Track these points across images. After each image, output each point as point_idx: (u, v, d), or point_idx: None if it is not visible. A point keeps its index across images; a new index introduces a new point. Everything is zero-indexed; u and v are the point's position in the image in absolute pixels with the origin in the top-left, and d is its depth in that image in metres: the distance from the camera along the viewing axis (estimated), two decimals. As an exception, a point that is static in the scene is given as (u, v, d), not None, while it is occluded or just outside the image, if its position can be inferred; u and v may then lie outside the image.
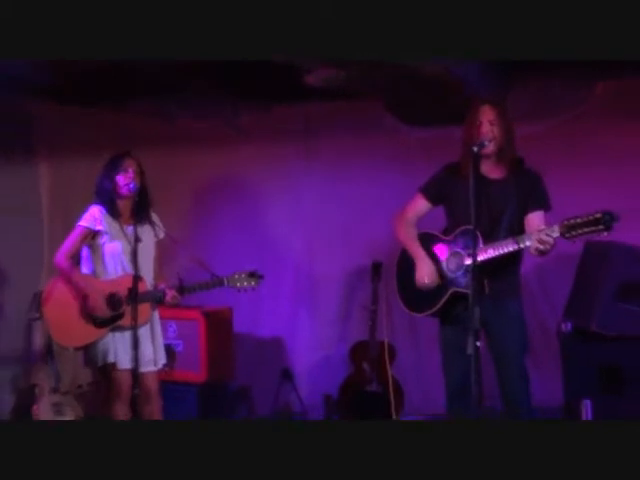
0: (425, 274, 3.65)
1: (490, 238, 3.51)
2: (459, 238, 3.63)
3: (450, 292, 3.63)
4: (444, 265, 3.67)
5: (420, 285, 3.67)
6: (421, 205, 3.81)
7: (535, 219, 3.58)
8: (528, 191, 3.62)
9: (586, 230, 3.21)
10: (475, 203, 3.20)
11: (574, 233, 3.23)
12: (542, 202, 3.63)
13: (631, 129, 5.04)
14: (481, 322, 3.09)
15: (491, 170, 3.63)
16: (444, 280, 3.66)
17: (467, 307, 3.13)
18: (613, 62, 4.81)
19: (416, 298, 3.77)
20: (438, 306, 3.67)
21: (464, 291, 3.48)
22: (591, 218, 3.19)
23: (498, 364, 3.67)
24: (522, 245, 3.40)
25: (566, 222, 3.25)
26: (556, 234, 3.27)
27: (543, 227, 3.37)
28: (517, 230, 3.56)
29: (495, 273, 3.53)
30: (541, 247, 3.32)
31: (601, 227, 3.17)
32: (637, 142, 5.03)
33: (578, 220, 3.22)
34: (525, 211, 3.61)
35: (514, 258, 3.57)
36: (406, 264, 3.82)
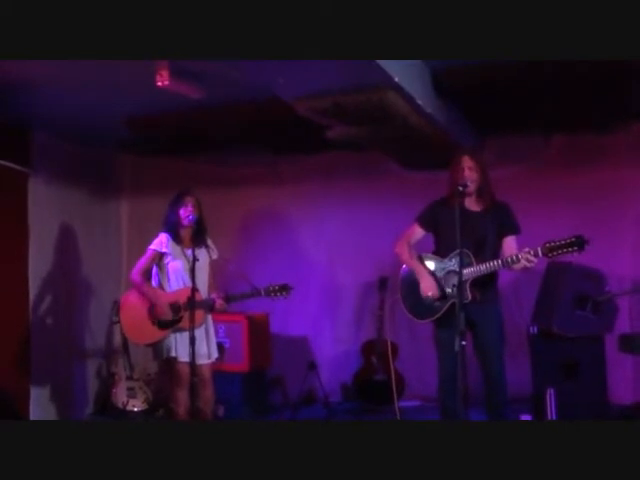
0: (429, 288, 3.57)
1: (477, 259, 3.45)
2: (453, 259, 3.53)
3: (450, 302, 3.53)
4: (442, 281, 3.58)
5: (425, 296, 3.58)
6: (417, 232, 3.75)
7: (511, 242, 3.57)
8: (502, 220, 3.59)
9: (564, 250, 3.19)
10: (461, 231, 3.15)
11: (555, 253, 3.22)
12: (514, 228, 3.61)
13: (581, 174, 5.03)
14: (470, 323, 3.03)
15: (472, 205, 3.60)
16: (443, 293, 3.57)
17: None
18: (564, 119, 4.72)
19: (418, 308, 3.66)
20: (439, 314, 3.57)
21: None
22: (568, 241, 3.17)
23: (483, 355, 3.58)
24: (514, 266, 3.34)
25: (547, 245, 3.23)
26: (539, 254, 3.25)
27: (527, 249, 3.31)
28: (497, 252, 3.53)
29: (482, 285, 3.49)
30: (528, 265, 3.30)
31: (576, 248, 3.15)
32: (586, 185, 5.00)
33: (557, 243, 3.20)
34: (501, 236, 3.58)
35: (494, 273, 3.53)
36: (408, 281, 3.72)
